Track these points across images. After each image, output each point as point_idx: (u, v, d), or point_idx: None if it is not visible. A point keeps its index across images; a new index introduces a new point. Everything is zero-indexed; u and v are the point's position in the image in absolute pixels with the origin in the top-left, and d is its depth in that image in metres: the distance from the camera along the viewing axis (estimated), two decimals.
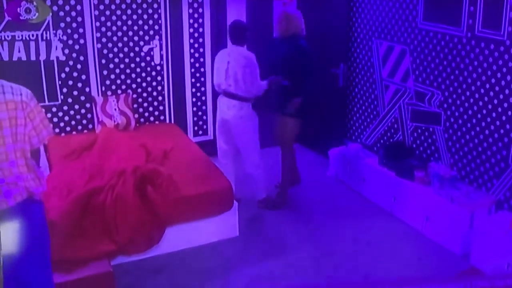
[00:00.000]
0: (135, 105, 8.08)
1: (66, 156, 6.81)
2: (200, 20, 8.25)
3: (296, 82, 6.88)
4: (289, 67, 6.87)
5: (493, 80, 6.03)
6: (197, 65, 8.42)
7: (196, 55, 8.37)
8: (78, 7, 7.37)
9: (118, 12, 7.65)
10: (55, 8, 7.22)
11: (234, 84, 6.65)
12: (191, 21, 8.19)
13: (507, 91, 5.89)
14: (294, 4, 8.76)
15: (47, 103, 7.48)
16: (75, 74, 7.58)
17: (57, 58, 7.40)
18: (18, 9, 6.94)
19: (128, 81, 7.99)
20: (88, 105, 7.77)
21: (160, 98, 8.29)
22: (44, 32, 7.23)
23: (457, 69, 6.45)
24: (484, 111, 6.20)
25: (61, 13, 7.28)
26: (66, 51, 7.43)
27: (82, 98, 7.73)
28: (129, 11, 7.72)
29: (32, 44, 7.21)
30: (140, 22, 7.83)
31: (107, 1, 7.54)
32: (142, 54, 7.98)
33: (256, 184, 7.17)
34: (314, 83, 7.00)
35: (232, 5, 8.35)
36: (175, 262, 5.97)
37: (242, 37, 6.65)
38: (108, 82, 7.85)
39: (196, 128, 8.70)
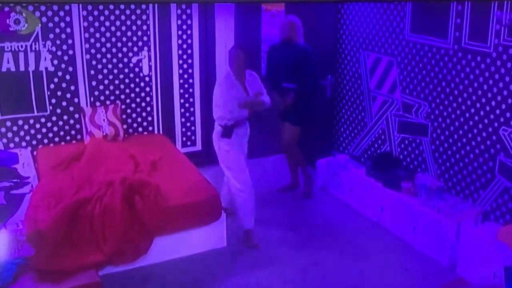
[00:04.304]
0: (123, 116, 8.08)
1: (54, 166, 6.80)
2: (189, 32, 8.27)
3: (301, 85, 7.26)
4: (295, 70, 7.22)
5: (479, 92, 6.08)
6: (185, 76, 8.44)
7: (185, 66, 8.39)
8: (67, 18, 7.37)
9: (107, 23, 7.66)
10: (44, 19, 7.22)
11: None
12: (180, 32, 8.21)
13: (493, 103, 5.94)
14: (282, 16, 8.80)
15: (36, 113, 7.48)
16: (64, 85, 7.58)
17: (46, 69, 7.40)
18: (8, 20, 6.94)
19: (117, 92, 7.99)
20: (76, 115, 7.76)
21: (148, 108, 8.30)
22: (33, 43, 7.23)
23: (443, 80, 6.50)
24: (471, 123, 6.25)
25: (50, 24, 7.29)
26: (55, 62, 7.43)
27: (71, 108, 7.72)
28: (118, 22, 7.73)
29: (21, 55, 7.20)
30: (129, 33, 7.84)
31: (96, 13, 7.55)
32: (131, 65, 7.98)
33: (239, 211, 6.74)
34: (317, 85, 7.50)
35: (221, 17, 8.38)
36: (162, 272, 5.98)
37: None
38: (96, 93, 7.85)
39: (184, 138, 8.70)
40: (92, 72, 7.74)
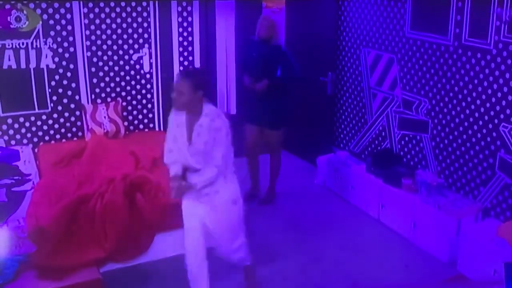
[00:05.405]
0: (124, 113, 8.08)
1: (56, 163, 6.81)
2: (189, 29, 8.27)
3: (277, 86, 7.07)
4: (271, 70, 7.06)
5: (479, 89, 6.09)
6: None
7: (186, 63, 8.39)
8: (68, 16, 7.38)
9: (108, 21, 7.67)
10: (45, 16, 7.23)
11: None
12: (181, 29, 8.21)
13: (493, 100, 5.95)
14: (283, 13, 8.81)
15: (37, 110, 7.48)
16: (65, 82, 7.58)
17: (47, 66, 7.40)
18: (9, 18, 6.95)
19: (118, 89, 7.99)
20: (78, 112, 7.77)
21: (149, 106, 8.30)
22: (34, 41, 7.23)
23: (444, 77, 6.51)
24: (471, 119, 6.26)
25: (51, 22, 7.29)
26: (56, 59, 7.43)
27: (72, 106, 7.72)
28: (118, 20, 7.73)
29: (22, 52, 7.20)
30: (130, 30, 7.85)
31: (97, 10, 7.55)
32: (132, 62, 7.99)
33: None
34: (296, 85, 7.39)
35: (221, 14, 8.39)
36: (163, 269, 5.99)
37: None
38: (97, 90, 7.85)
39: None
40: (93, 69, 7.74)
